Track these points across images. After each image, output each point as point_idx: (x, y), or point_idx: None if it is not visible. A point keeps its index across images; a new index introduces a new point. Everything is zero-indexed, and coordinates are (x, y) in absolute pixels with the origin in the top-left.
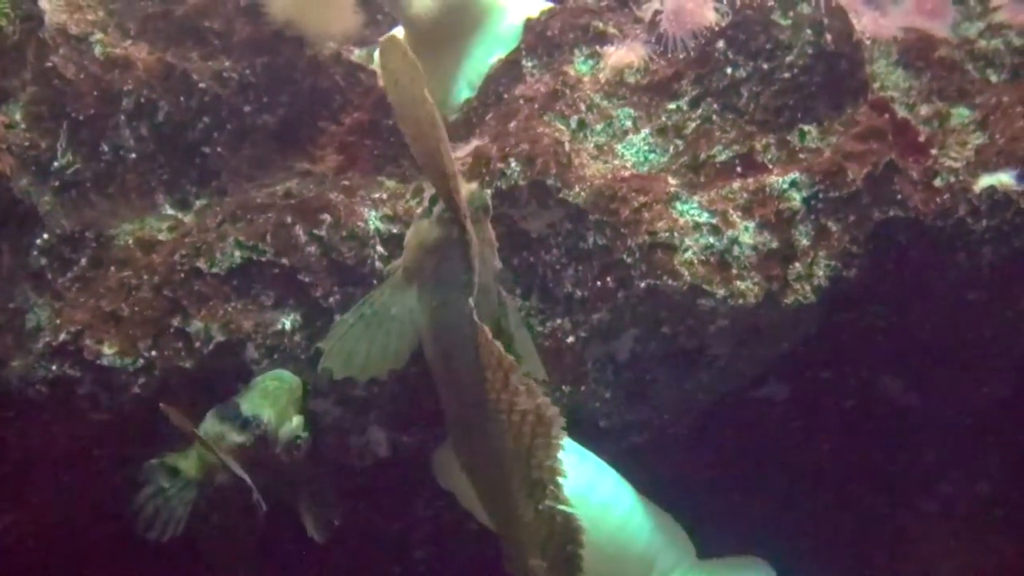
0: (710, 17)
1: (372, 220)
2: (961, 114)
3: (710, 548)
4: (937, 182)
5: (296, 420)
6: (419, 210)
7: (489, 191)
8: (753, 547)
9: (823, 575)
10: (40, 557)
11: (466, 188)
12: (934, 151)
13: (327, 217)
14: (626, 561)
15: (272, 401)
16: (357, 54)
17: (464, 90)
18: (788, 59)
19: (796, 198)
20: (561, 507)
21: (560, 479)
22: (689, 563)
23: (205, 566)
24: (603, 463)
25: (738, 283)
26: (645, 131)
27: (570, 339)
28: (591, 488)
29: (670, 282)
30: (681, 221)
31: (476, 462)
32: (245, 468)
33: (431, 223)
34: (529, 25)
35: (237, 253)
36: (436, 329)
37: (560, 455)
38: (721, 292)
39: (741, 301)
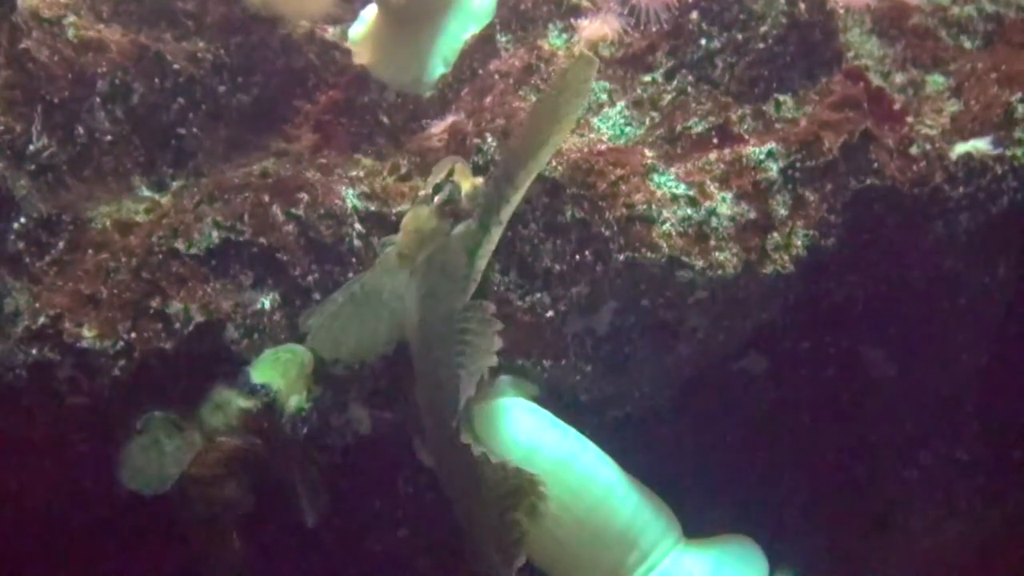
0: None
1: (349, 198)
2: (936, 81)
3: (691, 521)
4: (913, 150)
5: (305, 393)
6: (420, 194)
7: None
8: (734, 519)
9: (804, 545)
10: (21, 542)
11: (469, 183)
12: (909, 119)
13: (304, 196)
14: (606, 537)
15: (283, 372)
16: (331, 32)
17: (439, 67)
18: (762, 29)
19: (773, 168)
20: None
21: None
22: (673, 540)
23: (185, 548)
24: (584, 438)
25: (716, 254)
26: (620, 104)
27: (549, 313)
28: (571, 461)
29: (648, 254)
30: (658, 193)
31: (446, 454)
32: (248, 438)
33: (431, 211)
34: (502, 0)
35: (215, 233)
36: (422, 318)
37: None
38: (699, 264)
39: (720, 272)
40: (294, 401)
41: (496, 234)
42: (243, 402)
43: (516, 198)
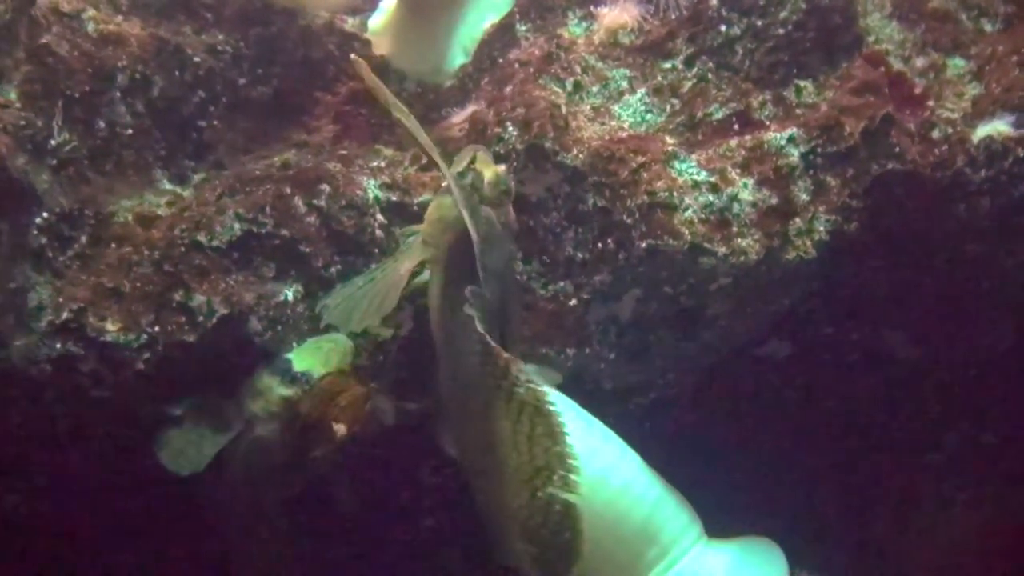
0: None
1: (371, 189)
2: (956, 65)
3: (714, 508)
4: (934, 134)
5: None
6: (443, 184)
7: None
8: (757, 506)
9: (829, 531)
10: (49, 534)
11: (491, 170)
12: (930, 103)
13: (325, 187)
14: (624, 531)
15: (324, 360)
16: (350, 23)
17: (458, 56)
18: (782, 15)
19: (794, 154)
20: (564, 495)
21: (572, 464)
22: (694, 537)
23: (213, 538)
24: (607, 429)
25: (738, 240)
26: (641, 91)
27: (572, 302)
28: (591, 455)
29: (670, 242)
30: (680, 180)
31: (468, 442)
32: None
33: (453, 200)
34: None
35: (237, 225)
36: (445, 305)
37: (568, 443)
38: (722, 250)
39: (742, 258)
40: None
41: (476, 211)
42: (284, 390)
43: (444, 170)
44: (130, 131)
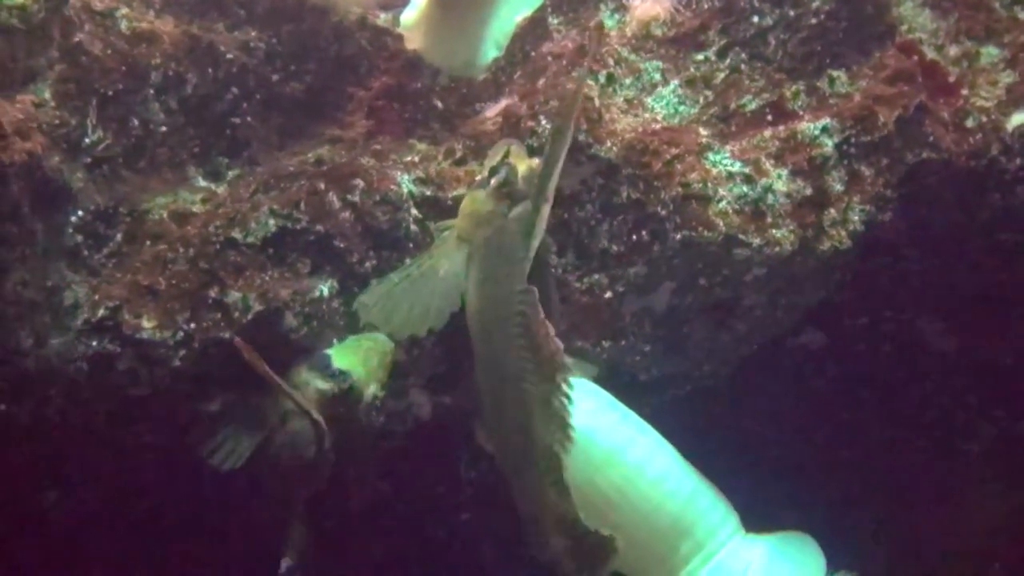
0: None
1: (404, 183)
2: (990, 53)
3: (749, 499)
4: (969, 122)
5: (382, 383)
6: (478, 178)
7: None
8: (793, 497)
9: (865, 521)
10: (85, 532)
11: (526, 164)
12: (964, 91)
13: (360, 182)
14: (658, 524)
15: (364, 359)
16: (383, 18)
17: (491, 50)
18: (814, 4)
19: (828, 144)
20: None
21: None
22: (730, 531)
23: (249, 535)
24: (643, 422)
25: (773, 231)
26: (674, 83)
27: (607, 294)
28: (627, 446)
29: (705, 233)
30: (714, 172)
31: (503, 436)
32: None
33: (487, 194)
34: None
35: (271, 222)
36: (481, 301)
37: None
38: (756, 241)
39: (777, 249)
40: (372, 389)
41: (545, 210)
42: (321, 384)
43: (556, 171)
44: (164, 129)
